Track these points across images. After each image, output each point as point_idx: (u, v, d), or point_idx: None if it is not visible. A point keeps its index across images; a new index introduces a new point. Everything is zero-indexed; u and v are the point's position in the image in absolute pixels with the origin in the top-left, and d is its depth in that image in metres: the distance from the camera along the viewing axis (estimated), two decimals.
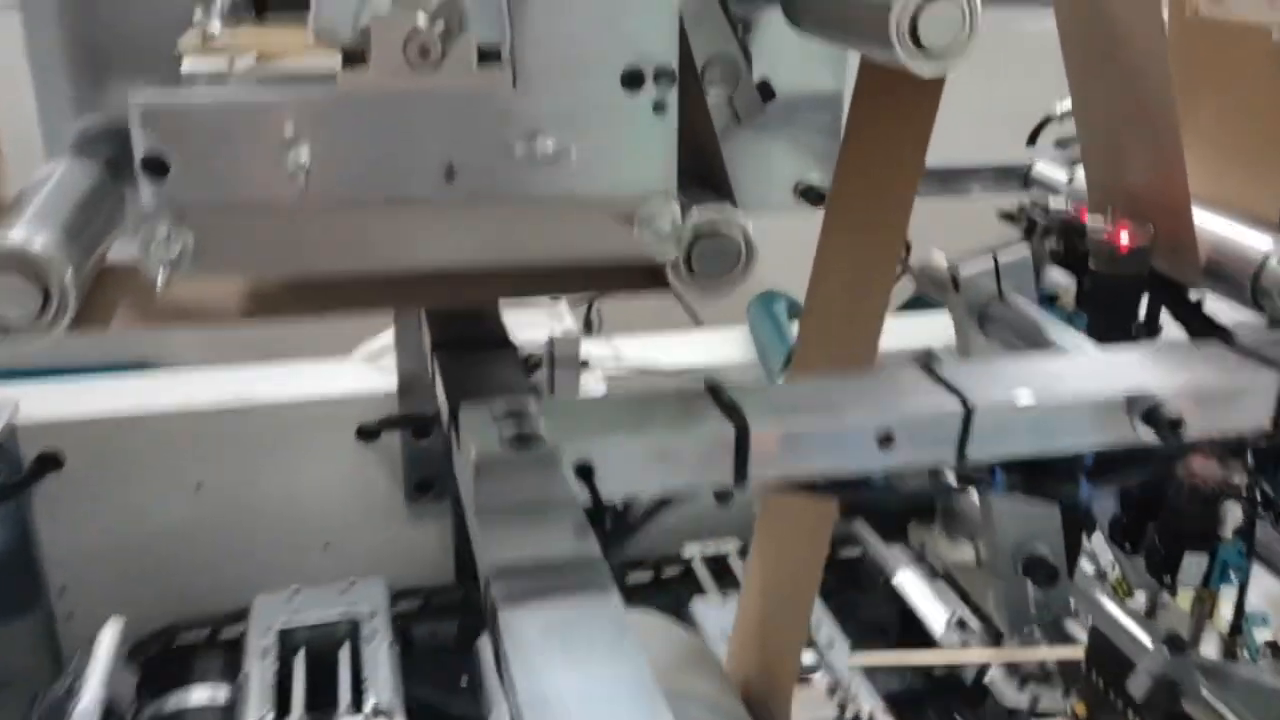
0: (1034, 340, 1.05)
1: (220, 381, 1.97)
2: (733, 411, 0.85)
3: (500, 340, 1.11)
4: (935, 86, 1.05)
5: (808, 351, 1.18)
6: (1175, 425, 0.85)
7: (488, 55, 0.83)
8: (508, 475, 0.81)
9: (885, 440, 0.82)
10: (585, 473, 0.79)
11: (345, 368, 2.06)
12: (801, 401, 0.89)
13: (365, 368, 2.06)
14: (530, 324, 1.91)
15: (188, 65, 0.84)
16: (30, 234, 0.81)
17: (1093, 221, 1.17)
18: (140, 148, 0.80)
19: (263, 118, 0.81)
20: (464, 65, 0.83)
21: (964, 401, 0.84)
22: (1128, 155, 1.20)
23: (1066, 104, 1.62)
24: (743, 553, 2.02)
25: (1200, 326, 1.17)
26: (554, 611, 0.71)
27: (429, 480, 2.01)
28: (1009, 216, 1.30)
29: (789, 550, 1.30)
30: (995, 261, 1.10)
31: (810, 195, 1.17)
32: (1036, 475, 0.88)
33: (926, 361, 0.89)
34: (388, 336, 2.07)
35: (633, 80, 0.86)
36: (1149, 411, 0.85)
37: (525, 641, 0.69)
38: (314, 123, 0.82)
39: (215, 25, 0.93)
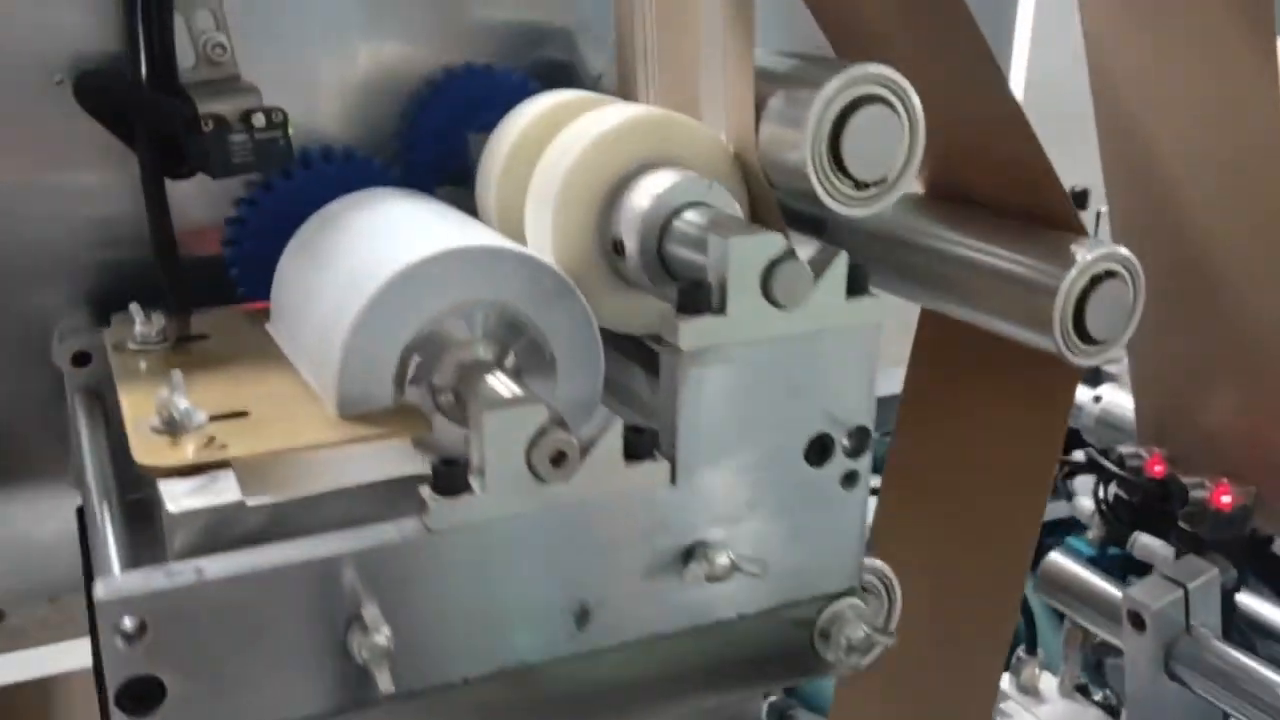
0: (1238, 686, 0.87)
1: None
2: None
3: None
4: (1076, 377, 0.86)
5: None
6: None
7: (634, 449, 0.56)
8: None
9: None
10: None
11: None
12: None
13: None
14: None
15: (168, 493, 0.53)
16: None
17: (1190, 483, 1.02)
18: (118, 670, 0.48)
19: (315, 591, 0.51)
20: (609, 465, 0.56)
21: None
22: (1212, 396, 1.05)
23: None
24: None
25: None
26: None
27: None
28: (1072, 465, 1.13)
29: None
30: (1185, 591, 0.92)
31: None
32: None
33: None
34: None
35: (822, 451, 0.61)
36: None
37: None
38: (394, 581, 0.52)
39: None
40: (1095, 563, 1.08)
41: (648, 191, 0.64)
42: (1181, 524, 1.06)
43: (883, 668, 0.68)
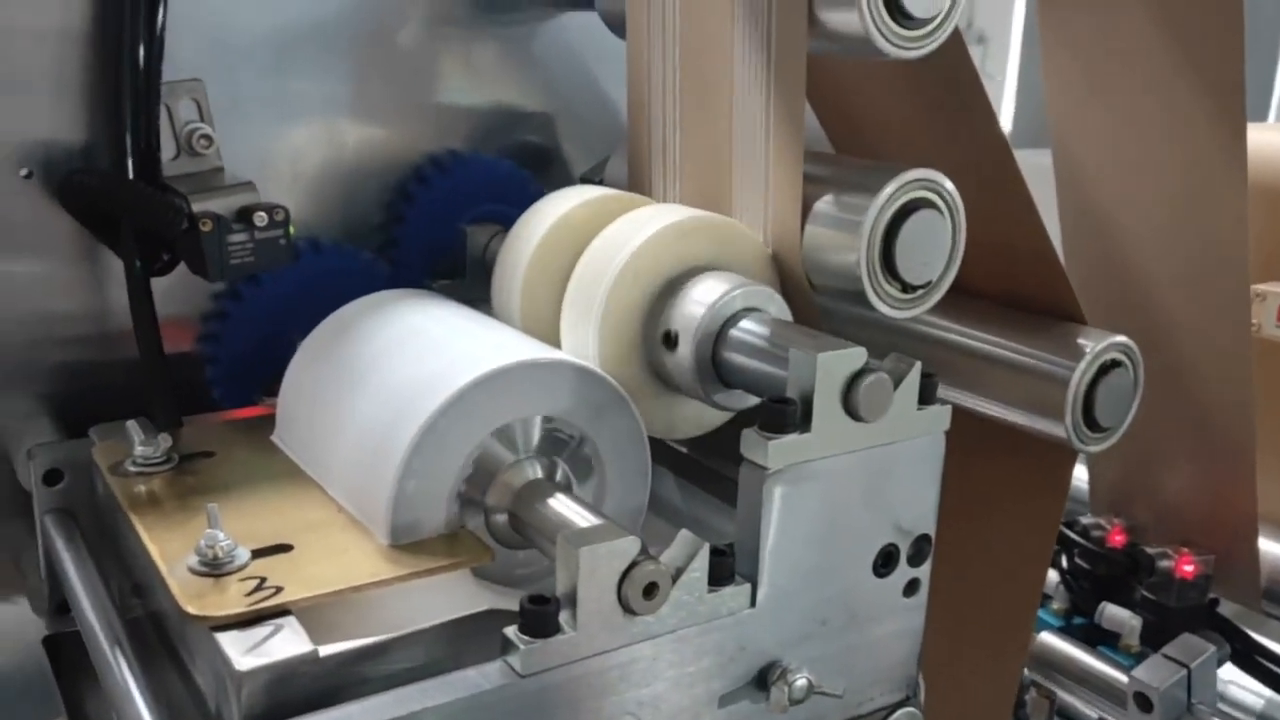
0: None
1: None
2: None
3: None
4: (1073, 457, 0.87)
5: None
6: None
7: (718, 573, 0.54)
8: None
9: None
10: None
11: None
12: None
13: None
14: None
15: (230, 648, 0.48)
16: None
17: (1155, 553, 1.04)
18: None
19: None
20: (695, 592, 0.53)
21: None
22: (1167, 469, 1.09)
23: None
24: None
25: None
26: None
27: None
28: None
29: None
30: (1189, 671, 0.94)
31: None
32: None
33: None
34: None
35: (887, 560, 0.60)
36: None
37: None
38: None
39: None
40: (1065, 633, 1.10)
41: (700, 299, 0.63)
42: (1145, 593, 1.09)
43: None
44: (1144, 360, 0.94)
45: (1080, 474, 1.23)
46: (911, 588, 0.62)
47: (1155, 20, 0.91)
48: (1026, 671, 1.10)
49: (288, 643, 0.49)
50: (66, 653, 0.73)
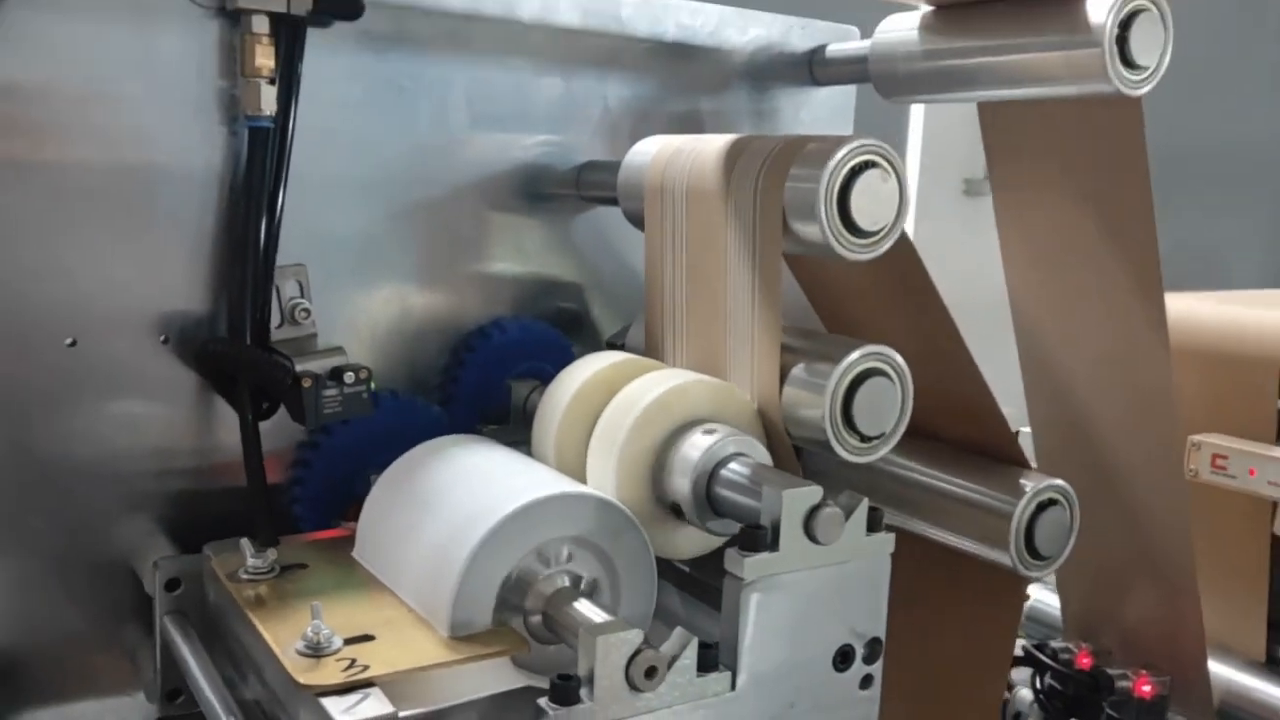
0: None
1: None
2: None
3: None
4: (1024, 584, 1.02)
5: None
6: None
7: (705, 661, 0.69)
8: None
9: None
10: None
11: None
12: None
13: None
14: None
15: (334, 710, 0.63)
16: None
17: (1115, 674, 1.17)
18: None
19: None
20: (686, 676, 0.68)
21: None
22: (1126, 598, 1.22)
23: None
24: None
25: None
26: None
27: None
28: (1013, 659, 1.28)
29: None
30: None
31: None
32: None
33: None
34: None
35: (844, 658, 0.75)
36: None
37: None
38: None
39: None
40: None
41: (697, 445, 0.79)
42: (1109, 711, 1.21)
43: None
44: (1100, 499, 1.10)
45: (1054, 601, 1.37)
46: (866, 682, 0.77)
47: (1087, 211, 1.09)
48: None
49: (374, 706, 0.64)
50: None
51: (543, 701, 0.65)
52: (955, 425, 1.00)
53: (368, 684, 0.67)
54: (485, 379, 1.03)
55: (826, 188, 0.79)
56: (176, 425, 0.95)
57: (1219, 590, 1.23)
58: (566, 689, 0.65)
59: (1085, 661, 1.23)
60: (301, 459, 0.96)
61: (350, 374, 0.89)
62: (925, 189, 3.14)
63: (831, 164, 0.79)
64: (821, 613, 0.73)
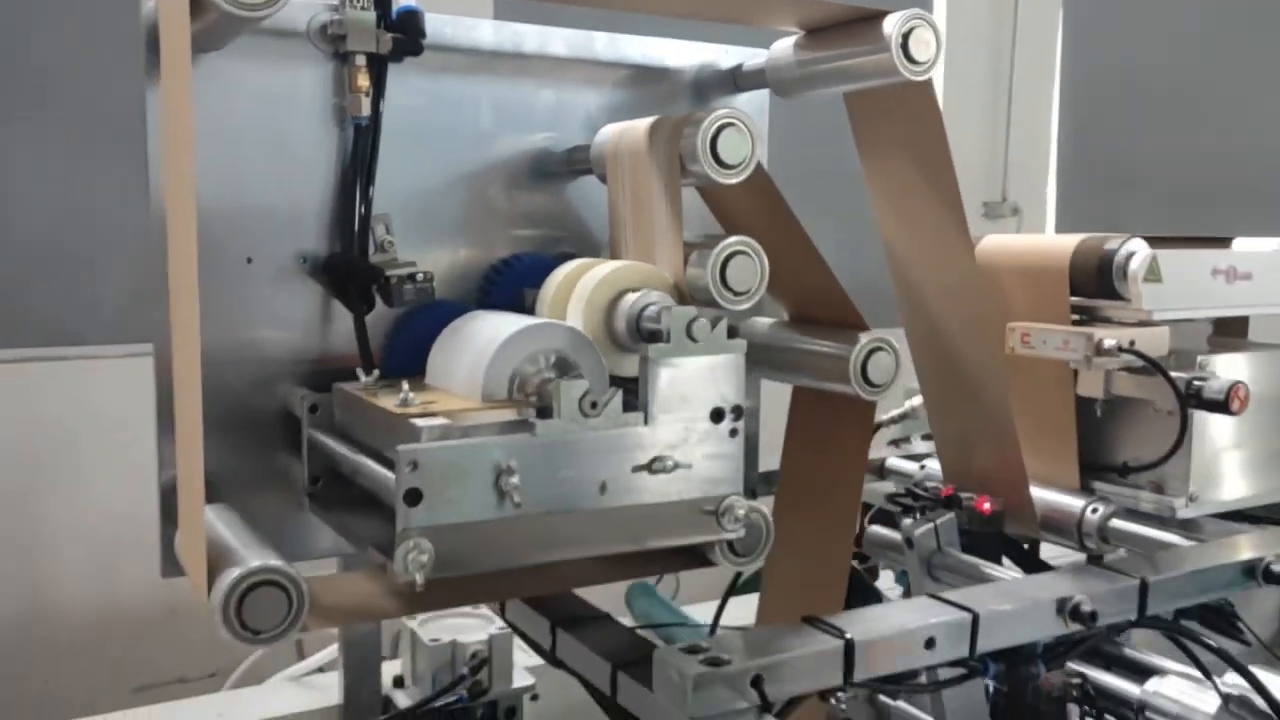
0: (974, 577, 1.47)
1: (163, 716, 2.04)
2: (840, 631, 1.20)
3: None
4: (872, 409, 1.51)
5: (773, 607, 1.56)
6: (1093, 616, 1.28)
7: (630, 406, 1.20)
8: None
9: (930, 643, 1.20)
10: (758, 683, 1.10)
11: (278, 689, 2.18)
12: (878, 623, 1.25)
13: (294, 688, 2.19)
14: (472, 628, 2.15)
15: (421, 423, 1.15)
16: (271, 557, 1.09)
17: (965, 497, 1.65)
18: (404, 484, 1.09)
19: (489, 458, 1.13)
20: (616, 412, 1.19)
21: (973, 613, 1.23)
22: (977, 450, 1.70)
23: (891, 413, 2.17)
24: None
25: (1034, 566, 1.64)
26: None
27: None
28: (895, 496, 1.76)
29: None
30: (936, 527, 1.54)
31: None
32: (1013, 660, 1.27)
33: (938, 595, 1.29)
34: (306, 665, 2.25)
35: (718, 415, 1.25)
36: (1074, 609, 1.28)
37: None
38: (522, 457, 1.14)
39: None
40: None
41: (630, 301, 1.31)
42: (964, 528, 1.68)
43: (774, 576, 1.30)
44: (950, 379, 1.59)
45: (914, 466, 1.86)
46: (733, 433, 1.26)
47: (916, 170, 1.59)
48: None
49: (440, 422, 1.16)
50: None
51: (534, 418, 1.16)
52: (817, 305, 1.50)
53: (433, 415, 1.18)
54: (508, 293, 1.55)
55: (703, 138, 1.31)
56: (311, 321, 1.48)
57: (1041, 439, 1.71)
58: (547, 410, 1.16)
59: (948, 491, 1.70)
60: (395, 334, 1.48)
61: (420, 275, 1.42)
62: None
63: (705, 124, 1.31)
64: (700, 385, 1.23)
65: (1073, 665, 2.41)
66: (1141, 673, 1.64)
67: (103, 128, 2.88)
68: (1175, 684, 1.87)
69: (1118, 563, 1.42)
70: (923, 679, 1.37)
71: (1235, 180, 5.07)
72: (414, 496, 1.10)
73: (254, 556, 1.12)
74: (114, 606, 2.97)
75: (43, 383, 2.86)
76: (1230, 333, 1.83)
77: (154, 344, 1.37)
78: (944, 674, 1.34)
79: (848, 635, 1.16)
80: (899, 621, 1.22)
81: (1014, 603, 1.28)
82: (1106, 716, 1.73)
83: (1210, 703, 1.78)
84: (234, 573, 1.09)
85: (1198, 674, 1.69)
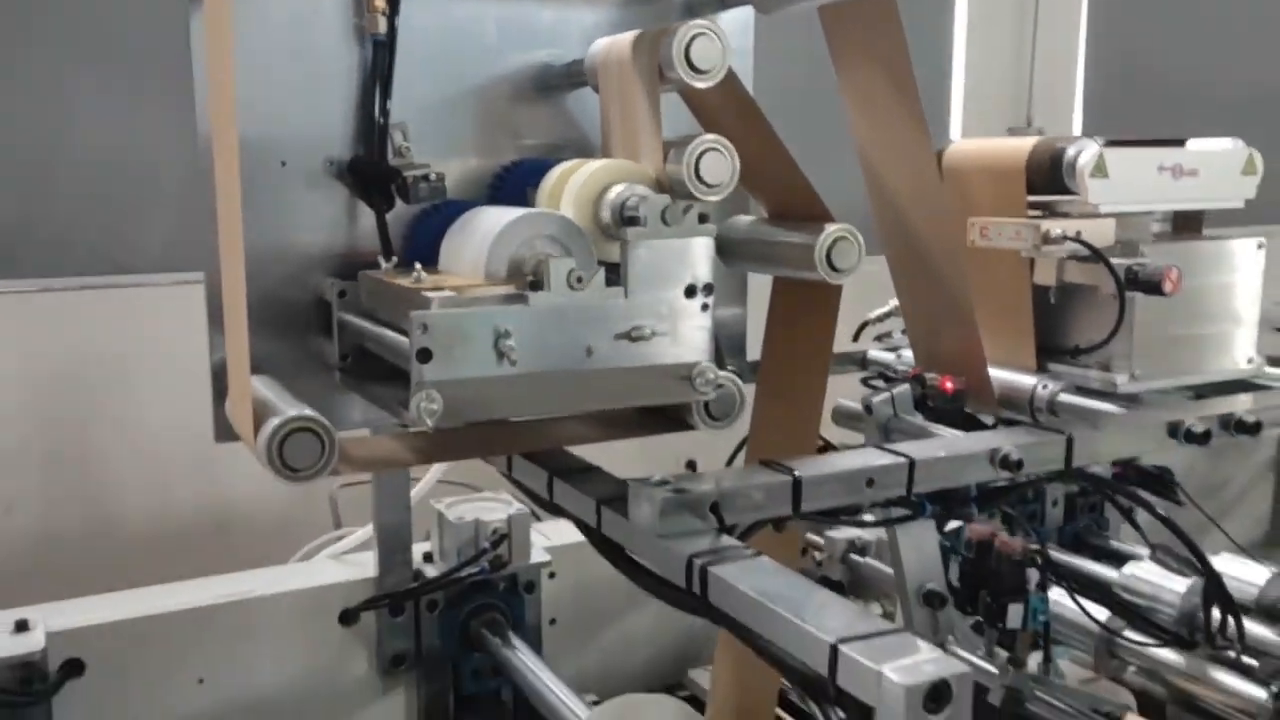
0: (924, 438, 1.65)
1: (217, 585, 2.28)
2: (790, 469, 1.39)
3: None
4: (838, 292, 1.69)
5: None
6: (1019, 464, 1.46)
7: (612, 281, 1.38)
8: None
9: (870, 483, 1.39)
10: (716, 508, 1.30)
11: (321, 564, 2.41)
12: (825, 465, 1.44)
13: (334, 563, 2.43)
14: (493, 509, 2.38)
15: (431, 294, 1.34)
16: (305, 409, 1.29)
17: (929, 377, 1.82)
18: (416, 344, 1.29)
19: (489, 324, 1.32)
20: (599, 287, 1.37)
21: (910, 460, 1.42)
22: (942, 336, 1.87)
23: (876, 312, 2.34)
24: None
25: None
26: None
27: (402, 655, 2.36)
28: (868, 379, 1.94)
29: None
30: (892, 396, 1.72)
31: None
32: (948, 502, 1.46)
33: (881, 444, 1.47)
34: (343, 545, 2.48)
35: (690, 292, 1.43)
36: (1004, 458, 1.46)
37: None
38: (517, 323, 1.33)
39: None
40: None
41: (616, 192, 1.48)
42: (928, 401, 1.86)
43: (753, 450, 1.49)
44: (918, 270, 1.76)
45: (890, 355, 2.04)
46: (704, 307, 1.44)
47: (882, 79, 1.74)
48: None
49: (448, 293, 1.35)
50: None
51: (524, 290, 1.35)
52: (790, 203, 1.68)
53: (440, 288, 1.37)
54: (513, 191, 1.73)
55: (678, 46, 1.47)
56: (338, 218, 1.67)
57: (1003, 325, 1.88)
58: (539, 284, 1.35)
59: (915, 372, 1.88)
60: (412, 229, 1.67)
61: (433, 175, 1.60)
62: None
63: (680, 33, 1.47)
64: (674, 264, 1.41)
65: (1059, 554, 2.61)
66: (1124, 561, 1.83)
67: (152, 66, 3.04)
68: (1149, 568, 2.07)
69: (1050, 422, 1.59)
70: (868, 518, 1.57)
71: (1269, 101, 5.08)
72: (425, 354, 1.30)
73: (291, 409, 1.33)
74: (166, 520, 3.19)
75: (94, 310, 3.04)
76: (1187, 228, 1.98)
77: (205, 244, 1.56)
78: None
79: (796, 473, 1.35)
80: (844, 464, 1.41)
81: (949, 451, 1.47)
82: (1066, 582, 1.92)
83: (1181, 584, 1.97)
84: (274, 420, 1.30)
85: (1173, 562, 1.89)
